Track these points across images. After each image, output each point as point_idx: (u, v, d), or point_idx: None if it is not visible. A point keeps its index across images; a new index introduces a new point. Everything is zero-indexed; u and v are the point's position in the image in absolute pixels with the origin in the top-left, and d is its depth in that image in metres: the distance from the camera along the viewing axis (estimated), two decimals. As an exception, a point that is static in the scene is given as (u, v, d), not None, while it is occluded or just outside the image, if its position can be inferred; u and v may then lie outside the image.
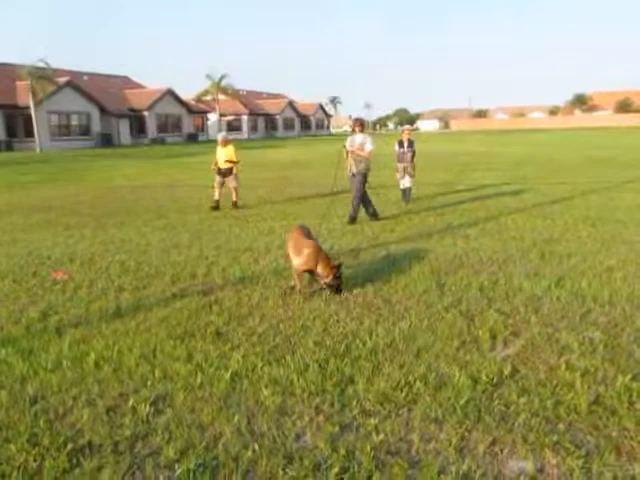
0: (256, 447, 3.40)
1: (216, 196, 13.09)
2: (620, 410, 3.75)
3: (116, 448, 3.44)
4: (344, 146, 10.92)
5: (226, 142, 13.42)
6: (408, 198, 13.18)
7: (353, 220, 10.76)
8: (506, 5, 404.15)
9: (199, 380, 4.27)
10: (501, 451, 3.35)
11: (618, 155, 27.87)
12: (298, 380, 4.22)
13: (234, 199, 13.26)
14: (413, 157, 13.15)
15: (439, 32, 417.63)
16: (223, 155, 13.34)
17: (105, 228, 10.83)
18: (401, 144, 13.22)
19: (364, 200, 10.99)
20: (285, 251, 6.96)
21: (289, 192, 16.02)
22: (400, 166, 13.17)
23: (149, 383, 4.26)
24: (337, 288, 6.22)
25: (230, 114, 75.79)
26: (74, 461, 3.30)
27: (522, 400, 3.89)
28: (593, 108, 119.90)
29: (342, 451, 3.35)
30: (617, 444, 3.39)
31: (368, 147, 10.79)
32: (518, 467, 3.21)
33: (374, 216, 11.03)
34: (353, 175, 10.84)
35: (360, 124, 11.18)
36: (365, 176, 10.85)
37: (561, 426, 3.58)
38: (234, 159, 13.32)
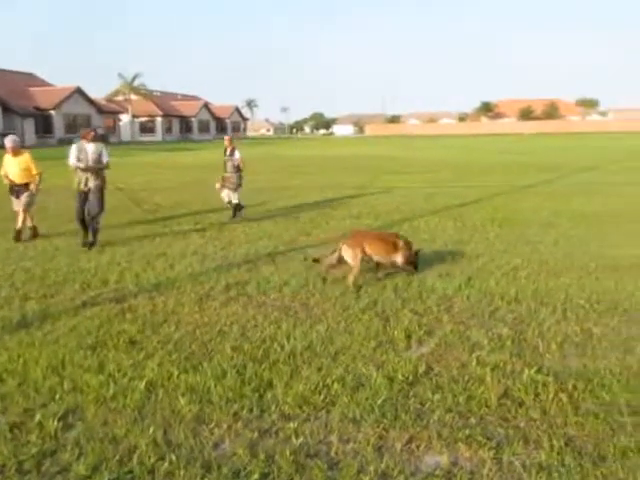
0: (173, 458, 3.31)
1: (18, 224, 9.72)
2: (527, 401, 3.94)
3: (21, 467, 3.25)
4: (78, 159, 8.96)
5: (16, 150, 9.93)
6: (240, 215, 11.76)
7: (91, 244, 8.99)
8: (419, 13, 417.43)
9: (112, 391, 4.12)
10: (417, 448, 3.43)
11: (521, 160, 29.40)
12: (215, 387, 4.16)
13: (29, 224, 9.96)
14: (237, 168, 11.77)
15: (353, 36, 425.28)
16: (16, 167, 9.90)
17: (5, 234, 10.23)
18: (225, 152, 12.06)
19: (83, 222, 9.07)
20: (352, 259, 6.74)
21: (205, 196, 15.71)
22: (222, 176, 11.97)
23: (57, 396, 4.06)
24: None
25: (143, 115, 73.77)
26: (-26, 484, 3.09)
27: (436, 397, 4.01)
28: (498, 115, 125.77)
29: (262, 456, 3.33)
30: (525, 434, 3.56)
31: (105, 158, 9.17)
32: (434, 462, 3.30)
33: (92, 245, 9.00)
34: (89, 190, 9.00)
35: (93, 132, 9.40)
36: (103, 190, 9.19)
37: (473, 420, 3.72)
38: (34, 170, 9.99)
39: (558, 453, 3.34)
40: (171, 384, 4.24)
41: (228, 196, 11.80)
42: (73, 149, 9.06)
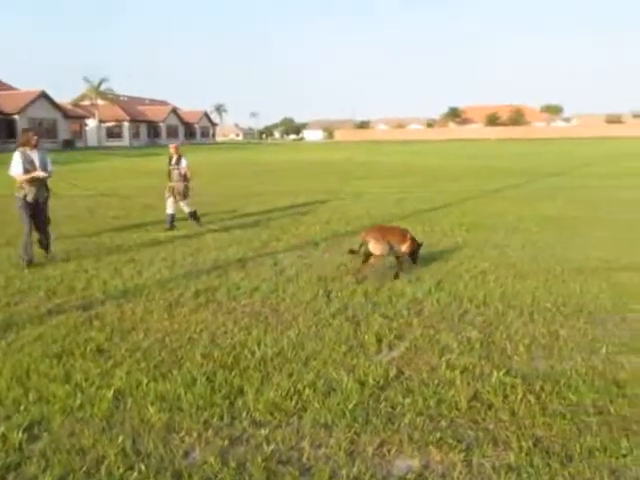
0: (142, 467, 3.26)
1: None
2: (496, 403, 3.99)
3: (-15, 481, 3.17)
4: (27, 170, 8.03)
5: None
6: (191, 216, 11.46)
7: (46, 253, 8.53)
8: (387, 23, 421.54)
9: (79, 401, 4.04)
10: (389, 452, 3.45)
11: (489, 165, 29.84)
12: (185, 395, 4.11)
13: None
14: (185, 177, 11.30)
15: (323, 42, 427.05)
16: None
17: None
18: (170, 161, 11.47)
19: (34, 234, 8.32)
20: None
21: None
22: (168, 185, 11.38)
23: (22, 407, 3.96)
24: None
25: (110, 120, 72.86)
26: None
27: (407, 400, 4.03)
28: (466, 121, 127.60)
29: (233, 464, 3.30)
30: (494, 435, 3.60)
31: (50, 167, 8.34)
32: (405, 466, 3.32)
33: (46, 247, 8.53)
34: (39, 203, 8.19)
35: (36, 136, 8.31)
36: (47, 201, 8.40)
37: (443, 423, 3.75)
38: None
39: (527, 454, 3.38)
40: (140, 392, 4.18)
41: (172, 206, 11.23)
42: (17, 158, 8.08)
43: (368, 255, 7.26)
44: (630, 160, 31.69)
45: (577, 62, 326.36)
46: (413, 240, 7.57)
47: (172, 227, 11.18)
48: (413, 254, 7.63)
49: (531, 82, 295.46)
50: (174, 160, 11.38)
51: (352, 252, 7.48)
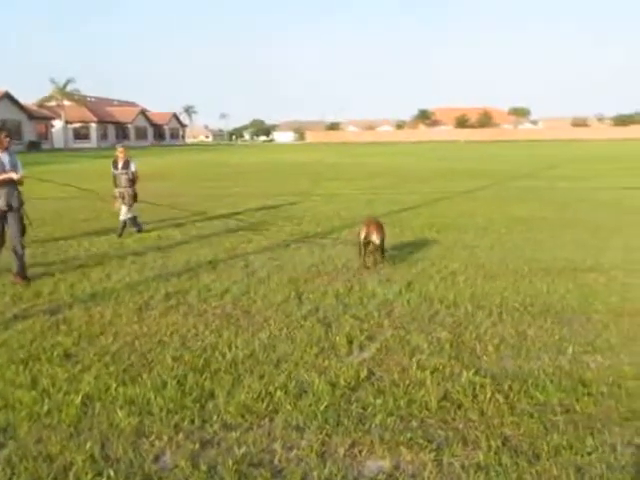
0: (111, 473, 3.22)
1: None
2: (466, 403, 4.04)
3: (-52, 490, 3.09)
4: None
5: None
6: (139, 228, 10.88)
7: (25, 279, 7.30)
8: (356, 22, 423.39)
9: (46, 407, 3.97)
10: (360, 452, 3.46)
11: (458, 166, 30.19)
12: (155, 398, 4.07)
13: None
14: (133, 181, 10.69)
15: (292, 43, 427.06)
16: None
17: None
18: (115, 165, 10.76)
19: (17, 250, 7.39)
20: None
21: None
22: (117, 191, 10.71)
23: (-13, 414, 3.88)
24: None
25: (77, 121, 71.78)
26: None
27: (378, 401, 4.05)
28: (435, 123, 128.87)
29: (204, 468, 3.28)
30: (464, 435, 3.65)
31: (21, 169, 7.39)
32: (376, 466, 3.34)
33: (24, 277, 7.34)
34: (10, 210, 7.25)
35: (8, 136, 7.39)
36: (21, 208, 7.43)
37: (414, 423, 3.78)
38: None
39: (495, 453, 3.43)
40: (109, 397, 4.12)
41: (125, 214, 10.64)
42: None
43: (368, 243, 7.97)
44: (596, 162, 32.39)
45: (544, 66, 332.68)
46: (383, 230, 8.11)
47: (140, 229, 10.87)
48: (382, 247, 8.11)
49: (499, 85, 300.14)
50: (121, 164, 10.69)
51: (367, 244, 8.01)
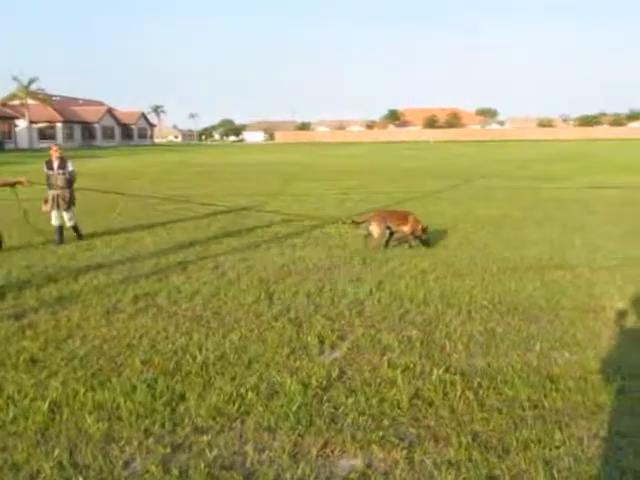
0: (80, 480, 3.17)
1: None
2: (436, 401, 4.08)
3: None
4: None
5: None
6: (59, 239, 9.83)
7: None
8: (325, 21, 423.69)
9: (11, 414, 3.88)
10: (332, 452, 3.47)
11: (427, 166, 30.48)
12: (125, 403, 4.01)
13: None
14: (71, 183, 10.00)
15: (260, 42, 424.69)
16: None
17: None
18: (50, 165, 9.97)
19: None
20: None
21: (110, 204, 15.16)
22: (51, 194, 9.92)
23: (-50, 423, 3.78)
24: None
25: (42, 121, 70.38)
26: None
27: (350, 400, 4.06)
28: (405, 123, 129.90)
29: (175, 472, 3.25)
30: (435, 432, 3.68)
31: None
32: (349, 465, 3.35)
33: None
34: None
35: None
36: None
37: (386, 422, 3.80)
38: None
39: (466, 449, 3.47)
40: (77, 403, 4.05)
41: (59, 218, 9.91)
42: None
43: (368, 234, 9.11)
44: (561, 162, 33.01)
45: (511, 67, 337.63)
46: (415, 221, 9.04)
47: (81, 237, 10.15)
48: (420, 237, 9.08)
49: (468, 86, 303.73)
50: (57, 164, 9.92)
51: (354, 222, 9.41)
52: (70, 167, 10.04)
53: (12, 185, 8.79)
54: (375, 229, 8.93)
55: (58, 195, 9.86)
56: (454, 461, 3.37)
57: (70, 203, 10.02)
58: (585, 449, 3.48)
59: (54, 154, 10.00)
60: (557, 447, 3.49)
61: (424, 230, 9.11)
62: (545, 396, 4.13)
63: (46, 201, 9.97)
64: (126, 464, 3.36)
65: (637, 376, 4.44)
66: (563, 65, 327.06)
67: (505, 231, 10.85)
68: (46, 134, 71.58)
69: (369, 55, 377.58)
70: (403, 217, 9.19)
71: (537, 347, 5.07)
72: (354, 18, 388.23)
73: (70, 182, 10.00)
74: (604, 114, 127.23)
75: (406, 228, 9.04)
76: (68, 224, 10.03)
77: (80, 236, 10.17)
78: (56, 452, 3.44)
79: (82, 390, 4.22)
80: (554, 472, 3.25)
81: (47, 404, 4.00)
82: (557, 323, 5.71)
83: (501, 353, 4.96)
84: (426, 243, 9.16)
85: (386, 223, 9.02)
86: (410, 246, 9.10)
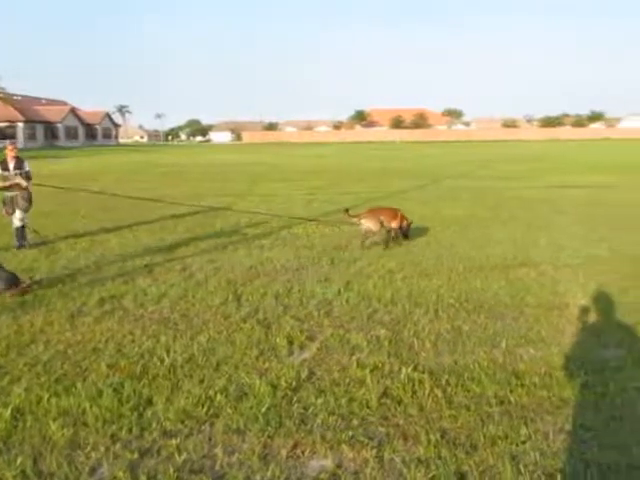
0: (44, 487, 3.10)
1: None
2: (405, 399, 4.11)
3: None
4: None
5: None
6: (22, 243, 9.48)
7: None
8: (290, 21, 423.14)
9: (-28, 422, 3.78)
10: (302, 453, 3.46)
11: (394, 166, 30.71)
12: (91, 408, 3.94)
13: None
14: (28, 183, 9.56)
15: (227, 41, 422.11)
16: None
17: None
18: (5, 166, 9.50)
19: None
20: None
21: (73, 207, 14.89)
22: (8, 196, 9.53)
23: None
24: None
25: (2, 121, 68.73)
26: None
27: (319, 401, 4.07)
28: (372, 124, 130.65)
29: (143, 478, 3.21)
30: (404, 431, 3.70)
31: None
32: (319, 466, 3.35)
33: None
34: None
35: None
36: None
37: (355, 421, 3.81)
38: None
39: (435, 446, 3.50)
40: (41, 409, 3.96)
41: (21, 220, 9.49)
42: None
43: (367, 231, 9.41)
44: (525, 162, 33.62)
45: (477, 68, 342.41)
46: (402, 217, 9.54)
47: (27, 238, 9.61)
48: (403, 229, 9.55)
49: (434, 87, 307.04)
50: (13, 164, 9.46)
51: (346, 210, 9.57)
52: (27, 167, 9.63)
53: None
54: (373, 225, 9.31)
55: (17, 195, 9.45)
56: (423, 459, 3.40)
57: (28, 204, 9.53)
58: (550, 443, 3.54)
59: (9, 153, 9.54)
60: (523, 442, 3.55)
61: (409, 225, 9.66)
62: (511, 392, 4.20)
63: (5, 204, 9.61)
64: (92, 471, 3.30)
65: (600, 371, 4.55)
66: (528, 66, 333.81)
67: (471, 230, 10.99)
68: (7, 134, 69.71)
69: (337, 56, 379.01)
70: (393, 213, 9.59)
71: (503, 344, 5.14)
72: (321, 18, 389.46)
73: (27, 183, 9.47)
74: (566, 115, 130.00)
75: (394, 224, 9.45)
76: (18, 223, 9.50)
77: (24, 238, 9.57)
78: (19, 460, 3.36)
79: (46, 396, 4.13)
80: (521, 467, 3.30)
81: (9, 411, 3.91)
82: (522, 320, 5.80)
83: (468, 350, 5.02)
84: (406, 236, 9.69)
85: (379, 219, 9.35)
86: (386, 247, 9.26)
